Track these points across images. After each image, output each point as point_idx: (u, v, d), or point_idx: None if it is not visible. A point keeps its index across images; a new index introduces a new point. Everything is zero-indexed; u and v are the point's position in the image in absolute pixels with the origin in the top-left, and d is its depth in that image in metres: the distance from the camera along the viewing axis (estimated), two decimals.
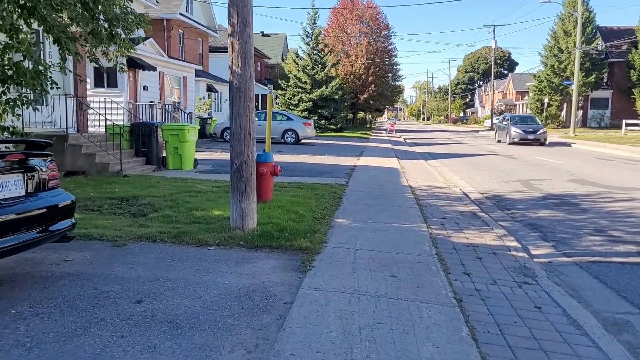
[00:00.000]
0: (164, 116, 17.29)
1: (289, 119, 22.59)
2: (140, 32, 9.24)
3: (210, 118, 25.66)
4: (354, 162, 15.41)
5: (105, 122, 12.58)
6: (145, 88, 18.30)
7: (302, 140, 23.37)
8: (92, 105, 13.33)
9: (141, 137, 11.95)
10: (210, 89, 28.32)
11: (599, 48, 46.87)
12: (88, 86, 17.08)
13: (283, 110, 31.61)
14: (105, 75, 16.94)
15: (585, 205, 9.11)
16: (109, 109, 14.50)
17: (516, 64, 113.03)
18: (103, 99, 16.26)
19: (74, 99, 11.82)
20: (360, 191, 9.53)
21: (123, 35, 7.12)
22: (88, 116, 13.37)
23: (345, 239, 5.75)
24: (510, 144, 27.20)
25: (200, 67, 24.73)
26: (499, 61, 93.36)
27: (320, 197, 8.40)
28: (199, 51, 30.78)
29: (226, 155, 16.59)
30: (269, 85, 7.74)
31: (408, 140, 33.55)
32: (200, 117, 25.00)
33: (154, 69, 17.92)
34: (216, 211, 6.87)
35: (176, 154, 12.06)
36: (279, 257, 4.98)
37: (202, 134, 24.47)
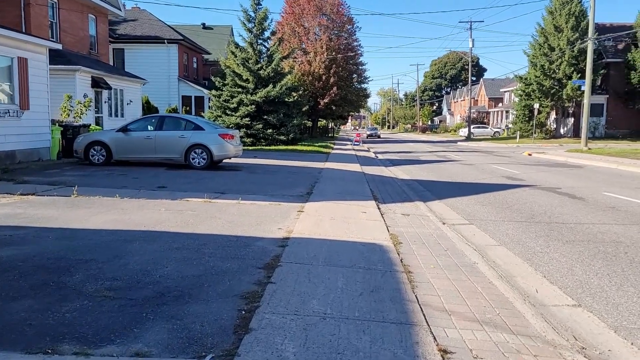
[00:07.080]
0: None
1: (196, 127, 13.76)
2: None
3: (88, 126, 16.75)
4: (288, 225, 7.05)
5: None
6: None
7: (222, 162, 14.84)
8: None
9: None
10: (97, 84, 19.42)
11: (597, 45, 40.30)
12: None
13: (197, 116, 23.04)
14: None
15: None
16: None
17: (484, 69, 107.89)
18: None
19: None
20: None
21: None
22: None
23: None
24: None
25: (59, 46, 15.84)
26: (467, 66, 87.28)
27: None
28: (90, 32, 21.81)
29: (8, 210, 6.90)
30: None
31: (380, 156, 25.50)
32: (69, 124, 16.12)
33: None
34: None
35: None
36: None
37: (70, 150, 15.60)
